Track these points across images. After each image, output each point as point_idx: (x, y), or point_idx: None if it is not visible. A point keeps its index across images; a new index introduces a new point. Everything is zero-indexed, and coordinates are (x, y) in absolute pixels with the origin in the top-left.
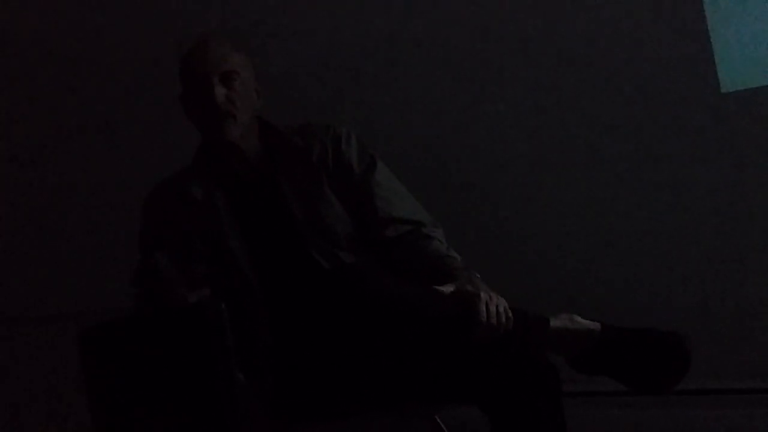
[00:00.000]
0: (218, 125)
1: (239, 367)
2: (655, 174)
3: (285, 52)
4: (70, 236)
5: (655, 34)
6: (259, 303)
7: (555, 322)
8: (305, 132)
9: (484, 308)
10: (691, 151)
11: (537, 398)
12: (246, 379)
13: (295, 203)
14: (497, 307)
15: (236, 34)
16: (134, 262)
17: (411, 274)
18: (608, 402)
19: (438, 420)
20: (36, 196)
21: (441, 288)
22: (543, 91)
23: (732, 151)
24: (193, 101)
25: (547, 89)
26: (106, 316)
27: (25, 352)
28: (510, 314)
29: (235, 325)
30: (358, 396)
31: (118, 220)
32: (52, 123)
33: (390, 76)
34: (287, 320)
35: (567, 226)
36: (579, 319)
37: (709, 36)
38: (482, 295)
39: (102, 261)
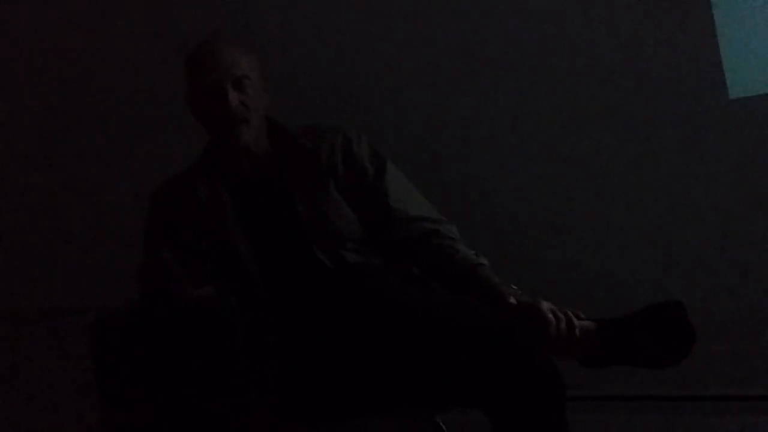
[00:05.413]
0: (233, 131)
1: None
2: (662, 179)
3: (288, 52)
4: (75, 232)
5: (664, 40)
6: (263, 302)
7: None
8: (314, 133)
9: (553, 318)
10: (698, 157)
11: (540, 402)
12: (249, 377)
13: (300, 203)
14: (561, 319)
15: (242, 36)
16: (139, 259)
17: (440, 277)
18: (612, 407)
19: (439, 422)
20: (43, 192)
21: (510, 300)
22: (547, 94)
23: (739, 157)
24: (204, 106)
25: (552, 93)
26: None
27: (30, 347)
28: (574, 323)
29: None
30: (360, 397)
31: (124, 217)
32: (58, 119)
33: (392, 77)
34: (291, 319)
35: (568, 228)
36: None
37: (718, 42)
38: (546, 308)
39: (107, 258)
